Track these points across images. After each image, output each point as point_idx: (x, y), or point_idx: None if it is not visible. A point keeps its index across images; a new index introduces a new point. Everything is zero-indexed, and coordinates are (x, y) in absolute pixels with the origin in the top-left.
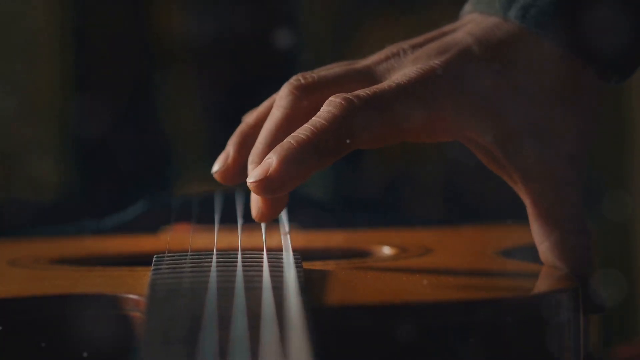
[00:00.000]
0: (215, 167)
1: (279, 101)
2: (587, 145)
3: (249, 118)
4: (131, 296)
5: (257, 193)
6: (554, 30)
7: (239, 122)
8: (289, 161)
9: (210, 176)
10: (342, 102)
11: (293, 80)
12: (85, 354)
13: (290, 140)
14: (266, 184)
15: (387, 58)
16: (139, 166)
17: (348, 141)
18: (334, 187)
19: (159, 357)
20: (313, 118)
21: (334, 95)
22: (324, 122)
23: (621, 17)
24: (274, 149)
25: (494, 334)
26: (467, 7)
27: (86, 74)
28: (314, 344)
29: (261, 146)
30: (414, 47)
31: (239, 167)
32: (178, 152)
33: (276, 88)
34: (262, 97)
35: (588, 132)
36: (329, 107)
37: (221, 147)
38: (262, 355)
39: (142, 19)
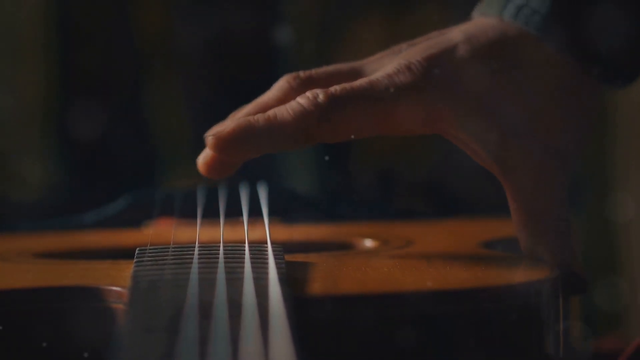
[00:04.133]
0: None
1: (274, 85)
2: (579, 144)
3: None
4: (114, 288)
5: (208, 146)
6: (548, 31)
7: (222, 118)
8: (240, 133)
9: (193, 171)
10: (310, 97)
11: (292, 73)
12: (68, 346)
13: (257, 117)
14: (215, 142)
15: (382, 57)
16: (122, 161)
17: (307, 137)
18: (318, 181)
19: (140, 345)
20: (283, 105)
21: (310, 90)
22: (288, 112)
23: (621, 17)
24: (238, 117)
25: (475, 323)
26: (474, 11)
27: (72, 72)
28: (294, 334)
29: (241, 115)
30: (410, 46)
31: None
32: (161, 147)
33: (261, 87)
34: (247, 95)
35: (581, 130)
36: (299, 100)
37: (204, 141)
38: (243, 344)
39: (127, 18)
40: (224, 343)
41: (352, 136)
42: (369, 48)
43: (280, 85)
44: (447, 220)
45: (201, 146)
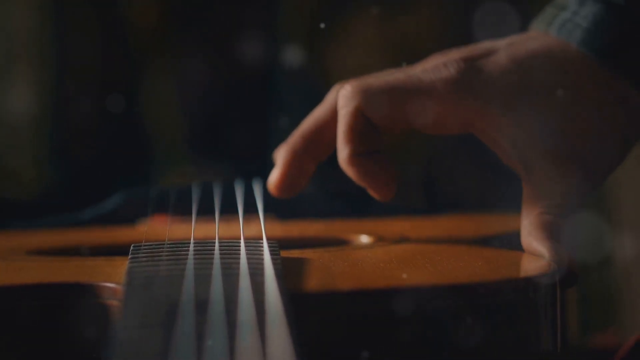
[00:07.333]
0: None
1: (326, 98)
2: (610, 158)
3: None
4: (108, 284)
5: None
6: (589, 43)
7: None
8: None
9: (187, 168)
10: (340, 98)
11: (340, 83)
12: (63, 343)
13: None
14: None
15: (428, 60)
16: (117, 158)
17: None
18: (313, 177)
19: (135, 341)
20: (339, 126)
21: (342, 89)
22: (344, 128)
23: None
24: (299, 133)
25: (472, 318)
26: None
27: (65, 69)
28: (291, 329)
29: (300, 131)
30: (461, 51)
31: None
32: (156, 144)
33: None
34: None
35: (614, 145)
36: (339, 111)
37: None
38: (240, 340)
39: (120, 14)
40: (221, 339)
41: (391, 129)
42: (362, 46)
43: (331, 97)
44: (442, 216)
45: (197, 144)
